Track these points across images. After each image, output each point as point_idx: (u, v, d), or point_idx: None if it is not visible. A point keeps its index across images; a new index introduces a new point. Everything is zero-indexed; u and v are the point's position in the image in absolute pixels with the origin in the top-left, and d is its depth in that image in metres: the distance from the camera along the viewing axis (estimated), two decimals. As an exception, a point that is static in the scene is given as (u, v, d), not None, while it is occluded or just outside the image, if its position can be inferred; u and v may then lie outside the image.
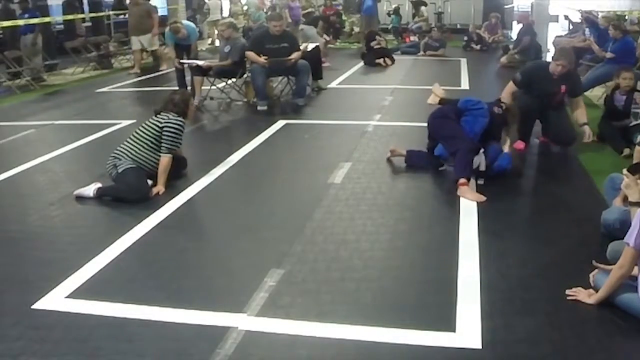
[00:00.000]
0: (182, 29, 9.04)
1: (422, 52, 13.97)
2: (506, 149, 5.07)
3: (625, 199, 3.50)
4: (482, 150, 4.93)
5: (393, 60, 12.48)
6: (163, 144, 4.90)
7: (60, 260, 3.72)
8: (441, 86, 5.88)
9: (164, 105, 5.09)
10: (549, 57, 12.33)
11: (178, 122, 4.96)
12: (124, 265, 3.68)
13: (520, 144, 5.79)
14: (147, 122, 5.01)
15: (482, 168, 4.90)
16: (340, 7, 18.24)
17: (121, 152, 4.89)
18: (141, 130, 4.96)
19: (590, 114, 5.95)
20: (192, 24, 9.85)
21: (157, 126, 4.92)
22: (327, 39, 13.34)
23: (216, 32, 12.25)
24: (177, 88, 8.22)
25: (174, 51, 9.17)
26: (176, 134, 4.95)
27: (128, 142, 4.94)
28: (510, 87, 5.89)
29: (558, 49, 5.96)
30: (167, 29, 9.49)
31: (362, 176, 5.21)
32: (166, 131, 4.90)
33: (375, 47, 12.60)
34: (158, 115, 5.02)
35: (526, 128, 5.85)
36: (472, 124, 4.99)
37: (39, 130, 7.40)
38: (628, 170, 3.44)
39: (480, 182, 4.84)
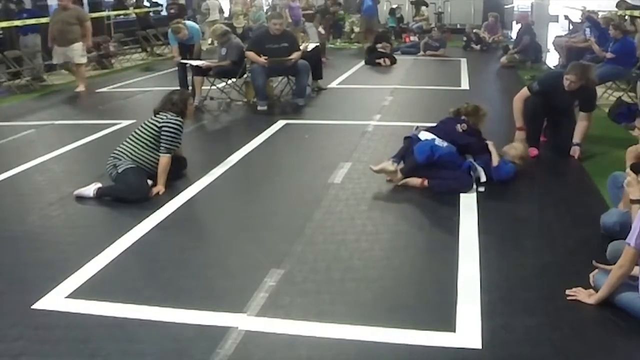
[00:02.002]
0: (182, 30, 9.02)
1: (422, 52, 13.98)
2: (495, 162, 4.90)
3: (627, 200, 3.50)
4: (474, 162, 4.89)
5: (394, 61, 12.49)
6: (162, 144, 4.90)
7: (60, 260, 3.72)
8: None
9: (162, 105, 5.08)
10: (549, 57, 12.42)
11: (177, 122, 4.96)
12: (124, 265, 3.68)
13: (532, 151, 5.60)
14: (146, 122, 5.01)
15: (483, 179, 4.85)
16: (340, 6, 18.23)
17: (121, 152, 4.89)
18: (140, 130, 4.96)
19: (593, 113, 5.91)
20: (195, 25, 9.83)
21: (156, 126, 4.92)
22: (322, 32, 13.30)
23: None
24: (178, 88, 8.22)
25: (178, 52, 9.16)
26: (175, 133, 4.94)
27: (127, 142, 4.94)
28: (524, 93, 5.73)
29: (571, 64, 5.57)
30: (169, 30, 9.50)
31: (362, 176, 5.20)
32: (165, 131, 4.90)
33: (379, 49, 12.61)
34: (157, 115, 5.02)
35: (534, 131, 5.73)
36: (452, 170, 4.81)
37: (39, 130, 7.40)
38: (631, 169, 3.45)
39: (481, 189, 4.81)
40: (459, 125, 5.08)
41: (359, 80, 10.88)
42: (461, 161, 4.89)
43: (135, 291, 3.33)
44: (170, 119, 4.95)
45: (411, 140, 5.05)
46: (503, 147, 5.21)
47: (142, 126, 5.00)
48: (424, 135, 5.03)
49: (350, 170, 5.36)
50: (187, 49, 9.23)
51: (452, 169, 4.83)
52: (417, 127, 5.26)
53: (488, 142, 5.06)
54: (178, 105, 5.05)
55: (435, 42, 14.03)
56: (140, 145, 4.89)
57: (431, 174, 4.82)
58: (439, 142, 4.86)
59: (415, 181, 4.86)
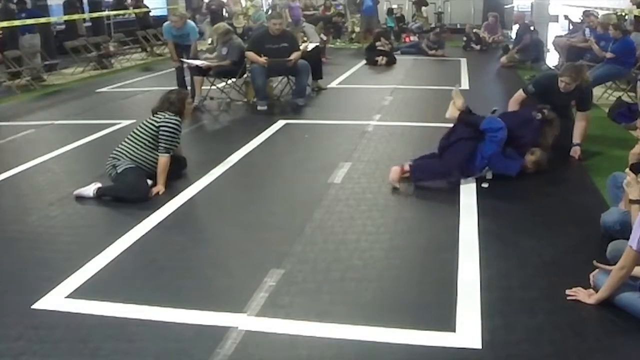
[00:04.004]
0: (181, 18, 9.00)
1: (433, 51, 13.85)
2: (527, 156, 5.08)
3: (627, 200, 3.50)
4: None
5: (394, 60, 12.49)
6: (160, 144, 4.90)
7: (60, 260, 3.72)
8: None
9: (160, 105, 5.08)
10: (549, 57, 12.42)
11: (175, 122, 4.96)
12: (124, 265, 3.68)
13: None
14: (144, 122, 5.01)
15: (489, 177, 4.94)
16: (340, 8, 18.26)
17: (119, 152, 4.89)
18: (138, 130, 4.96)
19: (590, 113, 5.92)
20: (192, 23, 9.83)
21: (154, 126, 4.92)
22: (324, 38, 13.43)
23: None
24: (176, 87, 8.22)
25: (172, 46, 9.12)
26: (173, 133, 4.94)
27: (126, 142, 4.94)
28: (520, 95, 5.79)
29: (565, 65, 5.69)
30: (165, 23, 9.48)
31: (362, 176, 5.21)
32: (163, 131, 4.90)
33: (379, 47, 12.68)
34: (155, 115, 5.02)
35: None
36: (485, 149, 4.91)
37: (39, 130, 7.40)
38: (630, 169, 3.45)
39: (485, 185, 4.85)
40: (535, 112, 5.25)
41: (359, 80, 10.88)
42: (489, 156, 4.92)
43: (135, 291, 3.33)
44: (168, 118, 4.94)
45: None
46: None
47: (140, 126, 5.00)
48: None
49: (350, 170, 5.36)
50: (184, 48, 9.22)
51: (460, 155, 4.90)
52: (495, 110, 5.39)
53: None
54: (176, 104, 5.05)
55: (433, 43, 14.06)
56: (139, 145, 4.89)
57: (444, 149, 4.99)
58: (505, 132, 4.95)
59: (395, 170, 4.90)
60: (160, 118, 4.95)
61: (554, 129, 5.30)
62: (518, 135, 5.08)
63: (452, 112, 5.22)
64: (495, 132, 4.90)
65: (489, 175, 4.94)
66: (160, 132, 4.89)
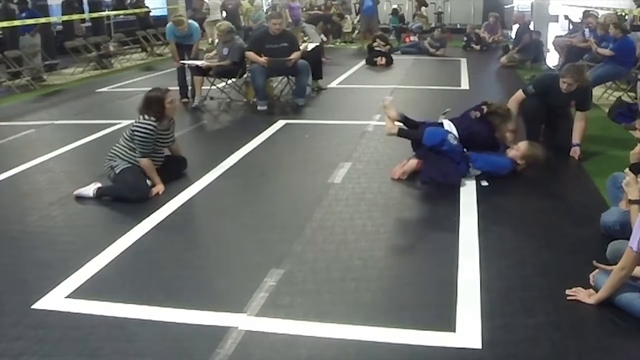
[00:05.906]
0: (184, 22, 9.00)
1: (434, 50, 13.87)
2: (513, 153, 5.04)
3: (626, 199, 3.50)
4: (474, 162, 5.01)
5: (391, 61, 12.50)
6: (136, 148, 4.81)
7: (60, 260, 3.72)
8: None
9: (140, 106, 4.92)
10: (549, 57, 12.42)
11: (146, 126, 4.78)
12: (123, 265, 3.68)
13: None
14: (132, 124, 4.96)
15: (477, 173, 4.95)
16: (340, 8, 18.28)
17: (114, 153, 4.87)
18: (126, 132, 4.92)
19: (590, 113, 5.92)
20: (195, 24, 9.79)
21: (131, 129, 4.85)
22: (324, 38, 13.48)
23: (216, 32, 12.31)
24: (177, 87, 8.22)
25: (174, 47, 9.11)
26: (144, 138, 4.78)
27: (118, 144, 4.90)
28: (519, 96, 5.77)
29: (566, 66, 5.69)
30: (168, 24, 9.46)
31: (362, 176, 5.21)
32: (136, 136, 4.79)
33: (375, 48, 12.78)
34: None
35: (533, 132, 5.75)
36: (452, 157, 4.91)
37: (39, 130, 7.40)
38: (630, 169, 3.45)
39: (485, 183, 4.86)
40: (473, 112, 5.21)
41: (359, 80, 10.88)
42: (460, 159, 4.93)
43: (135, 291, 3.33)
44: (141, 123, 4.81)
45: (423, 124, 5.18)
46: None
47: (129, 127, 4.95)
48: (446, 124, 5.11)
49: (350, 170, 5.36)
50: (185, 48, 9.20)
51: (446, 162, 4.87)
52: (446, 111, 5.34)
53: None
54: (153, 107, 4.85)
55: (436, 42, 14.07)
56: (128, 147, 4.84)
57: (426, 156, 4.94)
58: (451, 137, 4.94)
59: (412, 164, 4.94)
60: (135, 122, 4.85)
61: (505, 118, 5.18)
62: (472, 133, 5.04)
63: (390, 127, 5.12)
64: (440, 146, 4.85)
65: (477, 172, 4.95)
66: (134, 137, 4.79)
